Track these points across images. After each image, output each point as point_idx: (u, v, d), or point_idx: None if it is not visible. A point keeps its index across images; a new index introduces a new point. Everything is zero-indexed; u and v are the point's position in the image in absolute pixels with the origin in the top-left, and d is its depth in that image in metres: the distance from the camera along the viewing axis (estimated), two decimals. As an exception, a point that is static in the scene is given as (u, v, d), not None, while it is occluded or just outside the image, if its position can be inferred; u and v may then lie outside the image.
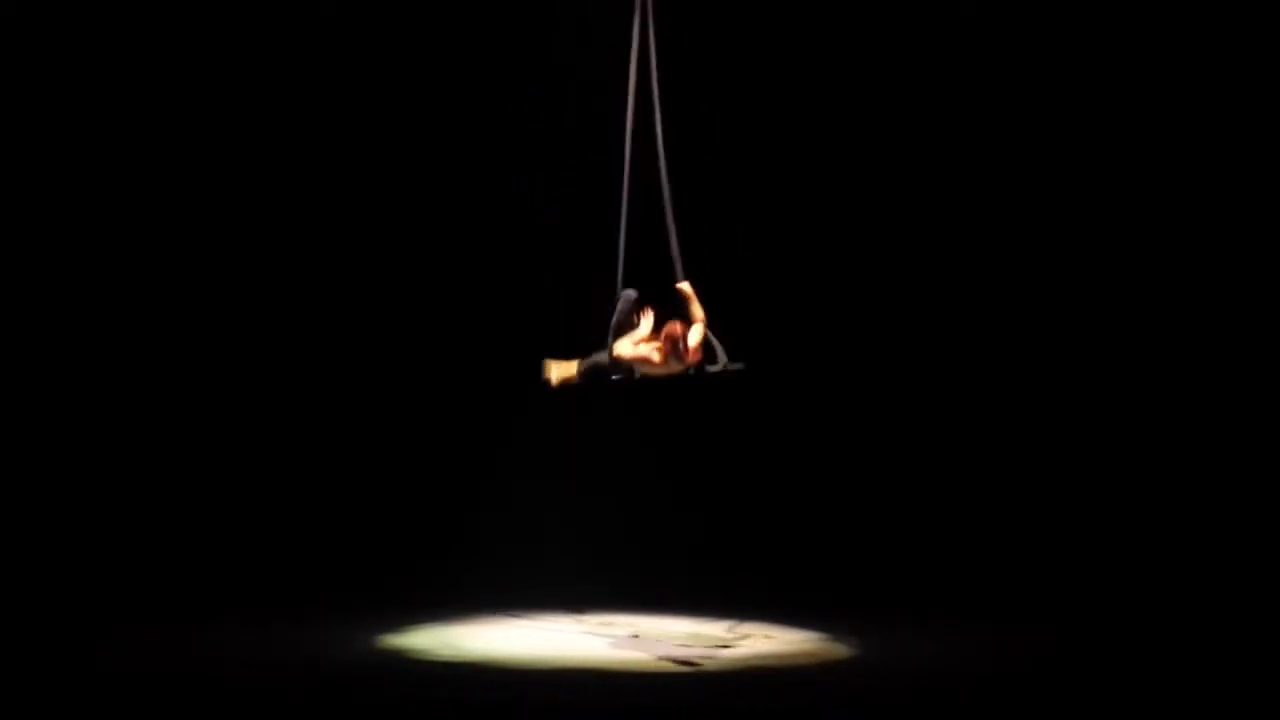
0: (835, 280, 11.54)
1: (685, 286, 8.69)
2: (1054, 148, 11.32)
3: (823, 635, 9.42)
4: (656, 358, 8.63)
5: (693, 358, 8.62)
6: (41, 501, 10.98)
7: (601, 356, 8.75)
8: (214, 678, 7.96)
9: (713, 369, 8.71)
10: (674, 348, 8.57)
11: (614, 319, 8.66)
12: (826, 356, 11.51)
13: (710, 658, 8.69)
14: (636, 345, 8.70)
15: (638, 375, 8.76)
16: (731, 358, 8.51)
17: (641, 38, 8.71)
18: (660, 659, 8.64)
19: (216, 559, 11.03)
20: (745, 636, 9.40)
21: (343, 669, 8.26)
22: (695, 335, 8.62)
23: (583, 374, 8.87)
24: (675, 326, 8.60)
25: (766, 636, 9.41)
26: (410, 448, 11.47)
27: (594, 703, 7.60)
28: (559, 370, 8.97)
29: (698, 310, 8.66)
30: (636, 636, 9.33)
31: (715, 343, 8.69)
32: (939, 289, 11.46)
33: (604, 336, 8.73)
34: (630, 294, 8.68)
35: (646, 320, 8.73)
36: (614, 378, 8.77)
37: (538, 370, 8.99)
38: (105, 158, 11.15)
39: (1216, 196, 11.12)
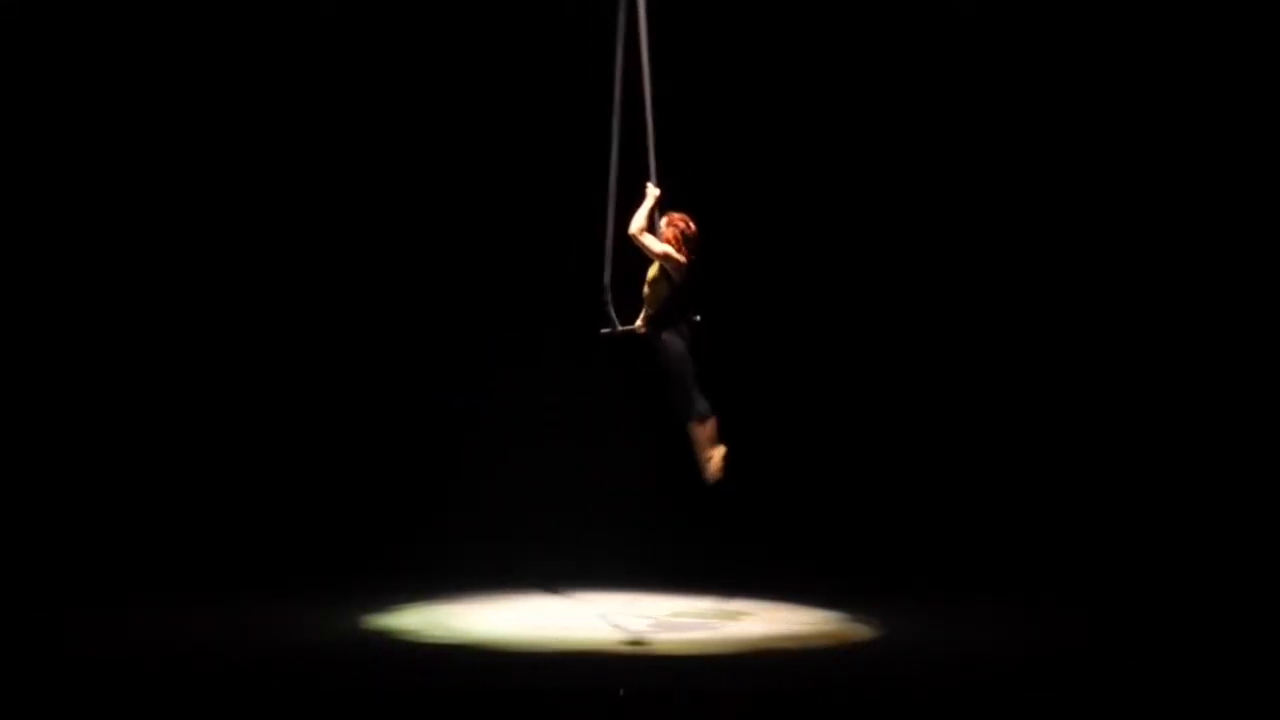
0: (854, 268, 11.57)
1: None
2: (1052, 146, 11.35)
3: (843, 615, 9.36)
4: (680, 256, 8.51)
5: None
6: (23, 487, 10.88)
7: None
8: (195, 662, 7.85)
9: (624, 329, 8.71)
10: (682, 235, 8.54)
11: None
12: (844, 332, 11.52)
13: (720, 639, 8.58)
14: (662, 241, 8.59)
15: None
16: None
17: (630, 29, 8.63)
18: (663, 639, 8.53)
19: (198, 539, 10.90)
20: (748, 615, 9.36)
21: (326, 652, 8.13)
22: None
23: (702, 408, 8.60)
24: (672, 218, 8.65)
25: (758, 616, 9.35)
26: (398, 421, 11.38)
27: (592, 687, 7.45)
28: (706, 454, 8.66)
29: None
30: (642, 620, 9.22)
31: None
32: (955, 275, 11.51)
33: None
34: (655, 191, 8.59)
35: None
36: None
37: None
38: (103, 155, 11.14)
39: (1215, 192, 11.18)
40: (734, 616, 9.26)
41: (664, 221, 8.60)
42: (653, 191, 8.59)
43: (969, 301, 11.49)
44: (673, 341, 8.52)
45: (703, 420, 8.56)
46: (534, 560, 10.60)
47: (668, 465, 11.22)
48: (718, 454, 8.58)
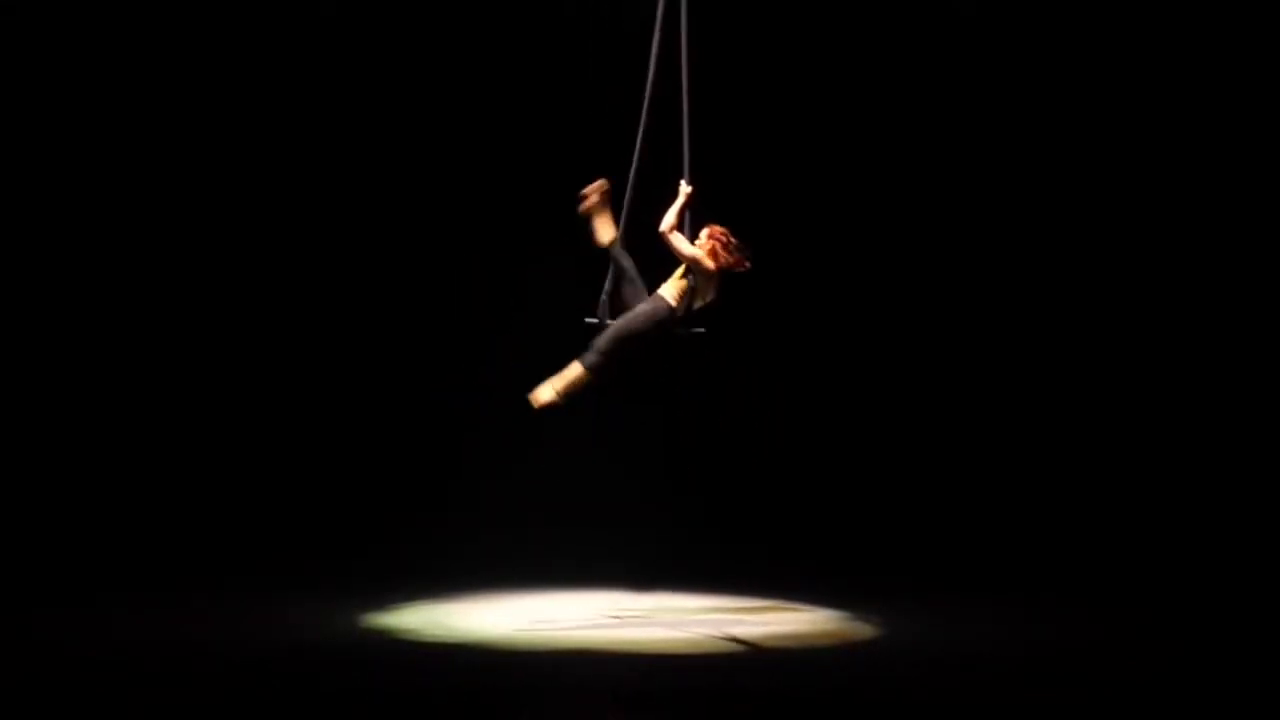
0: (853, 268, 11.60)
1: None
2: (1052, 146, 11.37)
3: (843, 615, 9.34)
4: (710, 264, 8.32)
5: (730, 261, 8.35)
6: (23, 487, 10.89)
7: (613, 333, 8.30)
8: (194, 662, 7.80)
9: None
10: (722, 247, 8.33)
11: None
12: (844, 332, 11.57)
13: (719, 638, 8.54)
14: (694, 245, 8.36)
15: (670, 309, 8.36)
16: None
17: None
18: (662, 639, 8.50)
19: (197, 538, 10.91)
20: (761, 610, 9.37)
21: (326, 652, 8.08)
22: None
23: (596, 365, 8.30)
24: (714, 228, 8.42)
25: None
26: (398, 421, 11.41)
27: (592, 685, 7.42)
28: (556, 386, 8.34)
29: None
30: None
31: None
32: (955, 275, 11.54)
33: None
34: (687, 189, 8.40)
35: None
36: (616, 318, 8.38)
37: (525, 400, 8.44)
38: (102, 155, 11.16)
39: (1215, 192, 11.21)
40: (734, 616, 9.23)
41: (704, 234, 8.38)
42: (685, 189, 8.41)
43: (969, 302, 11.50)
44: (647, 318, 8.35)
45: (587, 371, 8.30)
46: (534, 560, 10.58)
47: (668, 465, 11.37)
48: (556, 395, 8.33)
